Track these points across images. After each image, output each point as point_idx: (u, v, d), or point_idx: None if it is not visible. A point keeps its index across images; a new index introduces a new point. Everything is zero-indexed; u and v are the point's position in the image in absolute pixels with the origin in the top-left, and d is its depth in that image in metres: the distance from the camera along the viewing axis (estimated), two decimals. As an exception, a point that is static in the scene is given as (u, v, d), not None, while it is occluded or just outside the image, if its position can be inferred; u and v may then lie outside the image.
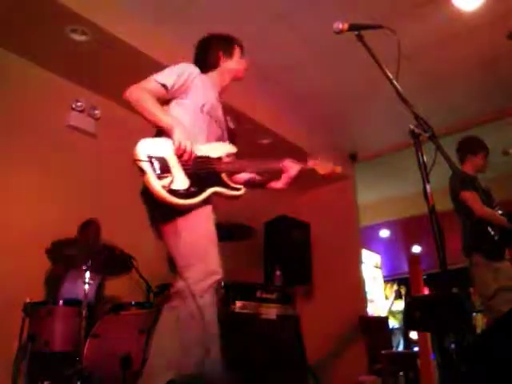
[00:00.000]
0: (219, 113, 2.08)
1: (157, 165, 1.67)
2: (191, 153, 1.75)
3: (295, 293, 3.55)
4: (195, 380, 1.58)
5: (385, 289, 9.34)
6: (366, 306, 5.70)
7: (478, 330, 4.70)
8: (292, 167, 2.06)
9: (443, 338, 2.60)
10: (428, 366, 7.01)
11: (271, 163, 2.09)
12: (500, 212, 3.07)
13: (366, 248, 7.91)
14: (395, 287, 9.63)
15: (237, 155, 2.03)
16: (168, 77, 1.90)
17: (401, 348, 8.07)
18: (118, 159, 2.65)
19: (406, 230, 7.76)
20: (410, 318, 3.56)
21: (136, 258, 2.79)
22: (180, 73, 1.92)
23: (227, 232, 3.14)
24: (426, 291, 8.62)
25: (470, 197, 3.01)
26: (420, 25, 3.53)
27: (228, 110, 2.20)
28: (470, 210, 2.99)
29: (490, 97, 4.43)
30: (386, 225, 7.79)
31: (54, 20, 3.05)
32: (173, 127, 1.75)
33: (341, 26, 1.68)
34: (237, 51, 2.17)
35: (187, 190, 1.70)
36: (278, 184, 2.12)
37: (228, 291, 2.97)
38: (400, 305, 8.96)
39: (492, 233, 2.96)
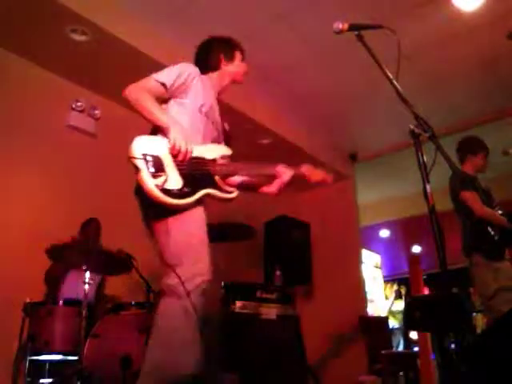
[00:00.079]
0: (216, 114, 2.08)
1: (151, 163, 1.66)
2: (186, 153, 1.74)
3: (295, 293, 3.55)
4: (194, 380, 1.58)
5: (385, 289, 9.34)
6: (366, 306, 5.70)
7: (478, 330, 4.70)
8: (285, 173, 2.05)
9: (443, 338, 2.59)
10: (428, 365, 7.02)
11: (265, 168, 2.09)
12: (500, 212, 3.07)
13: (366, 248, 7.92)
14: (395, 287, 9.64)
15: (236, 155, 2.03)
16: (167, 76, 1.89)
17: (401, 348, 8.07)
18: (118, 159, 2.64)
19: (406, 230, 7.77)
20: (409, 318, 3.56)
21: (136, 258, 2.78)
22: (180, 72, 1.92)
23: (227, 232, 3.14)
24: (426, 291, 8.63)
25: (470, 197, 3.01)
26: (420, 25, 3.53)
27: (228, 110, 2.20)
28: (469, 210, 2.99)
29: (490, 97, 4.44)
30: (386, 225, 7.80)
31: (54, 20, 3.05)
32: (169, 126, 1.75)
33: (341, 25, 1.67)
34: (238, 55, 2.18)
35: (180, 190, 1.69)
36: (270, 189, 2.10)
37: (228, 291, 2.97)
38: (400, 305, 8.96)
39: (492, 233, 2.96)
